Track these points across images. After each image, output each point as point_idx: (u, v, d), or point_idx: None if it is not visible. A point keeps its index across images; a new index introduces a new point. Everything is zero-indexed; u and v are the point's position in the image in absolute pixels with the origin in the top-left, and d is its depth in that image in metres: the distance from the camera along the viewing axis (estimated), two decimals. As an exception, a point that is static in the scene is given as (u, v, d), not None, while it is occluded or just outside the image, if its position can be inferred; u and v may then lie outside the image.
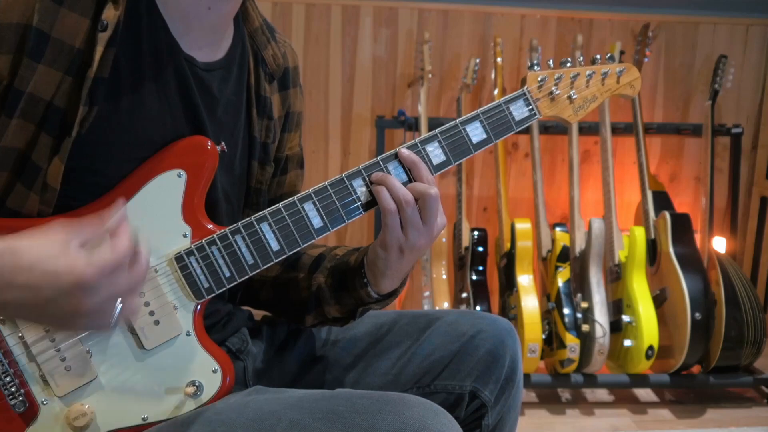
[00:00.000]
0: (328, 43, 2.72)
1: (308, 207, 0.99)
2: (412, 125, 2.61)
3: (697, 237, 2.53)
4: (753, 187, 2.98)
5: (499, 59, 2.60)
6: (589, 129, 2.65)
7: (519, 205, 2.83)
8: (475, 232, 2.55)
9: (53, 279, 0.77)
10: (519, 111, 1.09)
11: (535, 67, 1.14)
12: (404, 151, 1.02)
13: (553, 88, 1.11)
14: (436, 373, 1.12)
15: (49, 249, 0.79)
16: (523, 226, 2.47)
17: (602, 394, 2.57)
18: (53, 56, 0.88)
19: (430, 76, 2.61)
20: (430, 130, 2.58)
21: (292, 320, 1.19)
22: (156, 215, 0.96)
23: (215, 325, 1.09)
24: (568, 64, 1.15)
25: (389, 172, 1.01)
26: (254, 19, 1.10)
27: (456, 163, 1.05)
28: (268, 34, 1.12)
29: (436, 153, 1.04)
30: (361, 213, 1.01)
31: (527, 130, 2.57)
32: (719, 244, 2.67)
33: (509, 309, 2.45)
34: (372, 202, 1.01)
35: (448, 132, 1.05)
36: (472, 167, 2.83)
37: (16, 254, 0.78)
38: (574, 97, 1.13)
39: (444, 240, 2.61)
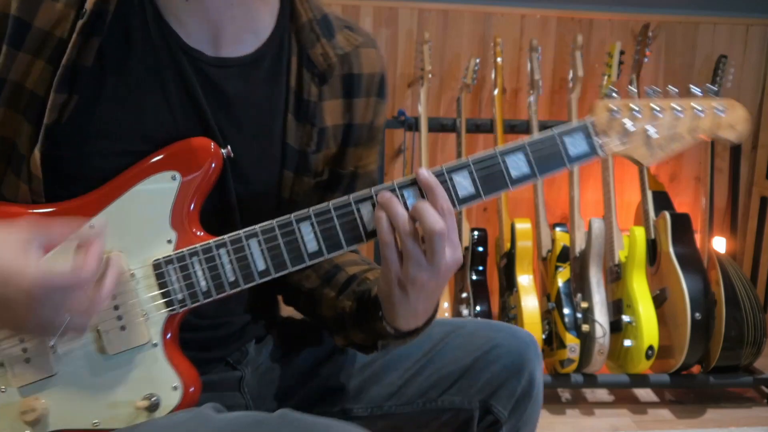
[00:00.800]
0: (328, 43, 2.72)
1: (305, 228, 0.90)
2: (412, 125, 2.61)
3: (697, 237, 2.53)
4: (753, 187, 2.98)
5: (499, 59, 2.60)
6: (589, 129, 2.65)
7: (519, 205, 2.83)
8: (475, 232, 2.55)
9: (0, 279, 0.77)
10: (576, 145, 0.93)
11: (614, 94, 0.97)
12: (423, 172, 0.89)
13: (627, 122, 0.93)
14: (444, 387, 1.05)
15: (5, 247, 0.78)
16: (523, 226, 2.47)
17: (602, 394, 2.56)
18: (36, 45, 0.88)
19: (430, 76, 2.61)
20: (430, 130, 2.60)
21: (329, 334, 1.11)
22: (143, 217, 0.92)
23: (223, 338, 1.06)
24: (652, 93, 0.96)
25: (402, 200, 0.89)
26: (301, 15, 1.01)
27: (486, 199, 0.92)
28: (319, 31, 1.02)
29: (463, 184, 0.91)
30: (363, 242, 0.91)
31: (527, 130, 2.57)
32: (719, 244, 2.67)
33: (509, 309, 2.45)
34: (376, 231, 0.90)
35: (483, 161, 0.91)
36: (472, 167, 2.83)
37: None
38: (653, 135, 0.94)
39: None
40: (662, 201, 2.59)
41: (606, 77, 2.58)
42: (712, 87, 0.99)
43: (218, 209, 0.97)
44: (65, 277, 0.79)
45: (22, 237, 0.79)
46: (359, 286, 1.03)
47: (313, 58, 1.01)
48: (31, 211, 0.91)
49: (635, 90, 0.96)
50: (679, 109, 0.95)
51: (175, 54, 0.94)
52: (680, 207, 2.66)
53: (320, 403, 1.09)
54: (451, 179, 0.91)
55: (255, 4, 0.98)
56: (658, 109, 0.95)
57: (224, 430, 0.86)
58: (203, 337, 1.04)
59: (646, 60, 2.65)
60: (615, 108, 0.94)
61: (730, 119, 0.97)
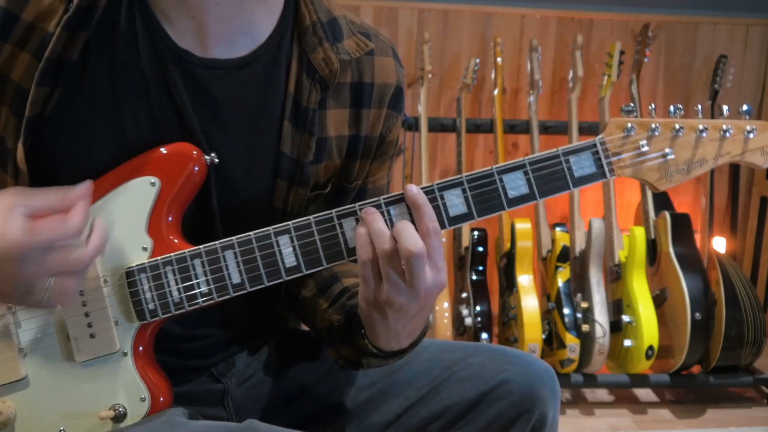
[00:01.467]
0: (328, 43, 2.72)
1: (283, 241, 0.87)
2: (412, 125, 2.61)
3: (697, 237, 2.53)
4: (753, 187, 2.98)
5: (499, 59, 2.60)
6: (589, 129, 2.65)
7: (519, 205, 2.82)
8: (475, 232, 2.55)
9: None
10: (581, 165, 0.88)
11: (634, 114, 0.89)
12: (411, 189, 0.85)
13: (642, 142, 0.87)
14: (447, 421, 0.99)
15: None
16: (523, 226, 2.47)
17: (602, 394, 2.56)
18: (23, 38, 0.88)
19: (430, 76, 2.61)
20: (430, 130, 2.59)
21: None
22: (120, 222, 0.89)
23: (205, 348, 1.03)
24: (677, 112, 0.89)
25: (389, 216, 0.86)
26: (305, 18, 0.96)
27: (479, 219, 0.87)
28: (323, 34, 0.96)
29: (455, 203, 0.87)
30: (344, 258, 0.88)
31: (527, 130, 2.57)
32: (719, 244, 2.67)
33: (509, 309, 2.45)
34: None
35: (478, 180, 0.87)
36: (471, 167, 2.83)
37: None
38: (669, 156, 0.88)
39: (444, 240, 2.61)
40: (662, 201, 2.59)
41: (606, 77, 2.58)
42: (744, 108, 0.91)
43: (200, 217, 0.94)
44: (48, 234, 0.78)
45: (6, 202, 0.79)
46: (349, 300, 0.98)
47: (314, 63, 0.95)
48: None
49: (653, 106, 0.89)
50: (703, 128, 0.88)
51: (160, 53, 0.91)
52: (680, 207, 2.66)
53: (309, 423, 1.04)
54: (442, 197, 0.87)
55: (248, 4, 0.93)
56: (678, 127, 0.88)
57: None
58: (184, 347, 1.01)
59: (646, 60, 2.65)
60: (629, 125, 0.88)
61: (760, 143, 0.89)
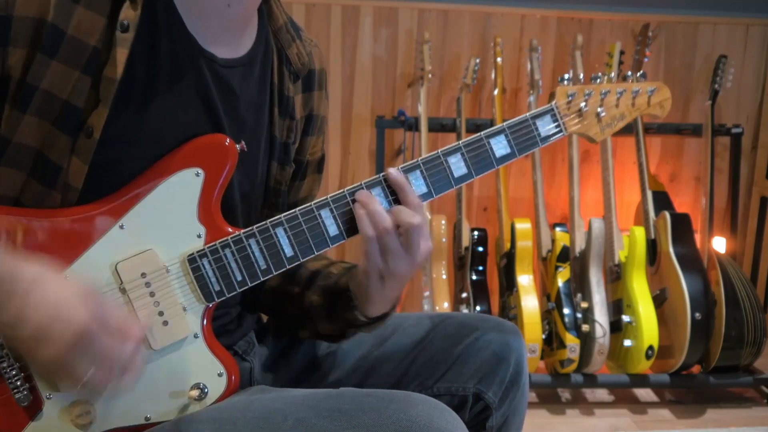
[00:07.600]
0: (328, 43, 2.72)
1: (325, 214, 0.97)
2: (412, 125, 2.61)
3: (697, 237, 2.53)
4: (753, 187, 2.98)
5: (499, 59, 2.61)
6: (589, 129, 2.65)
7: (519, 205, 2.83)
8: (475, 232, 2.55)
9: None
10: (545, 127, 1.06)
11: (565, 81, 1.12)
12: (392, 172, 0.98)
13: (582, 105, 1.08)
14: (439, 374, 1.11)
15: (67, 285, 0.82)
16: (523, 226, 2.47)
17: (602, 394, 2.57)
18: (69, 54, 0.88)
19: (430, 76, 2.61)
20: (430, 130, 2.60)
21: (289, 330, 1.19)
22: (171, 214, 0.94)
23: (224, 327, 1.08)
24: (599, 80, 1.12)
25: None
26: (278, 17, 1.08)
27: (477, 177, 1.03)
28: (293, 32, 1.10)
29: (458, 165, 1.01)
30: None
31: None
32: (719, 244, 2.67)
33: (509, 309, 2.45)
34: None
35: (472, 144, 1.02)
36: (472, 167, 2.83)
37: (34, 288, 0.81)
38: (602, 114, 1.09)
39: (444, 240, 2.61)
40: (662, 201, 2.59)
41: (606, 77, 2.58)
42: (645, 73, 1.18)
43: (224, 201, 0.99)
44: (113, 328, 0.83)
45: (86, 288, 0.84)
46: (324, 280, 1.11)
47: (290, 58, 1.08)
48: (60, 216, 0.92)
49: (581, 75, 1.05)
50: (621, 90, 1.11)
51: (194, 58, 0.96)
52: (680, 207, 2.66)
53: None
54: (446, 161, 1.00)
55: (254, 6, 1.03)
56: (604, 92, 1.10)
57: (305, 402, 0.89)
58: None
59: (646, 60, 2.65)
60: (572, 92, 1.08)
61: (659, 99, 1.15)
